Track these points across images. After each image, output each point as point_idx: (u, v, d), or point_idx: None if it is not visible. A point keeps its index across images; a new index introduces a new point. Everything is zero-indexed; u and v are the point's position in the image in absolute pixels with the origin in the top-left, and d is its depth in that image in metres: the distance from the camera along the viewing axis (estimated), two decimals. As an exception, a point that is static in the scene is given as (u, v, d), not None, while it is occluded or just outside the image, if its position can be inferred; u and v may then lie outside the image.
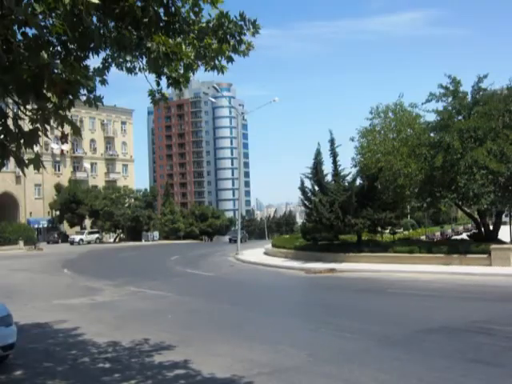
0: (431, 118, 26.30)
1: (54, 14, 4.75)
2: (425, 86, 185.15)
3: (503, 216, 28.68)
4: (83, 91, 4.93)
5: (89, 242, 61.97)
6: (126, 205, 68.75)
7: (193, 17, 5.80)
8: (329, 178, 30.39)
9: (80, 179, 76.94)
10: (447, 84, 25.04)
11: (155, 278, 22.53)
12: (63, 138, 4.97)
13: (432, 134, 25.35)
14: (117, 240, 69.46)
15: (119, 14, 5.21)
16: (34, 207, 72.04)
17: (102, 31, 5.35)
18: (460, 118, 24.87)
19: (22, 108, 4.86)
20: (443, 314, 12.23)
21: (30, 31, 4.57)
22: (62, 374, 8.12)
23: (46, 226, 71.87)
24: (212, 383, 7.41)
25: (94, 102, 5.14)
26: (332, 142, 29.53)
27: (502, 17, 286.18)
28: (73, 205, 67.27)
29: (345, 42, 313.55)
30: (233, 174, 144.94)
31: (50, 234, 69.62)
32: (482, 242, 23.33)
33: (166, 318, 12.79)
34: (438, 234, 44.26)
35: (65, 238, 67.17)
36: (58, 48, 5.28)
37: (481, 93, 24.67)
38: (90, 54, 5.39)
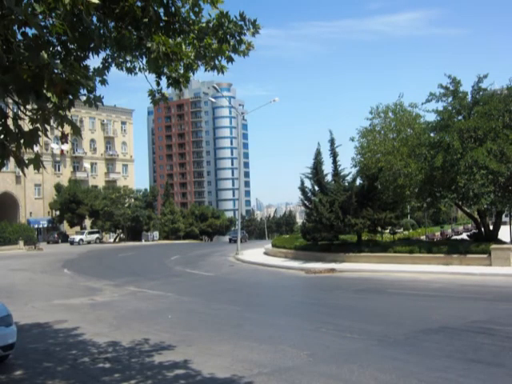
0: (431, 118, 26.42)
1: (54, 14, 4.75)
2: (425, 86, 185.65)
3: (503, 216, 28.65)
4: (83, 91, 4.93)
5: (89, 242, 62.02)
6: (126, 205, 68.75)
7: (193, 17, 5.81)
8: (329, 178, 30.52)
9: (80, 179, 77.01)
10: (447, 84, 25.09)
11: (155, 278, 22.55)
12: (63, 138, 4.97)
13: (432, 134, 25.37)
14: (117, 240, 69.45)
15: (119, 13, 5.22)
16: (34, 207, 72.12)
17: (102, 31, 5.36)
18: (460, 117, 24.89)
19: (22, 108, 4.86)
20: (443, 314, 12.22)
21: (30, 31, 4.57)
22: (61, 374, 8.12)
23: (45, 226, 71.96)
24: (212, 383, 7.41)
25: (94, 102, 5.14)
26: (332, 141, 29.64)
27: (501, 17, 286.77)
28: (73, 205, 67.36)
29: (345, 41, 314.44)
30: (233, 174, 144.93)
31: (49, 234, 69.73)
32: (482, 242, 23.33)
33: (166, 318, 12.79)
34: (437, 234, 44.20)
35: (65, 238, 67.23)
36: (58, 48, 5.28)
37: (481, 93, 24.69)
38: (90, 54, 5.39)
